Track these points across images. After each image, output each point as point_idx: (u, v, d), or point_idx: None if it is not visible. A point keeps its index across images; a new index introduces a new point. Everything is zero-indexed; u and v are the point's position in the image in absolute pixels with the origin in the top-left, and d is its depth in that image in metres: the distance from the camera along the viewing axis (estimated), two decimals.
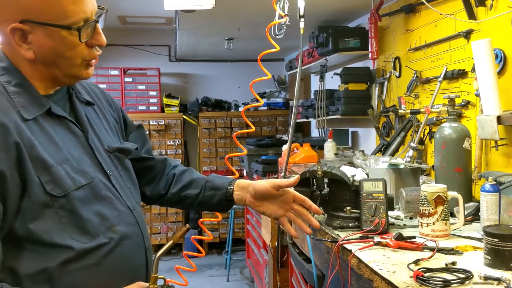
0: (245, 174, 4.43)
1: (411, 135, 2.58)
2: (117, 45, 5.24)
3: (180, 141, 5.30)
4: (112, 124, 1.31)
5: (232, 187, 1.40)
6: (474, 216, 1.70)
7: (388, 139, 2.85)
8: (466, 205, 1.67)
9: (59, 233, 1.03)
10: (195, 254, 1.63)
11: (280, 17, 1.84)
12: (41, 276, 1.02)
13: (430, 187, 1.50)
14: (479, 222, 1.58)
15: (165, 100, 5.29)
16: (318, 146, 3.42)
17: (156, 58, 5.51)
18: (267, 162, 3.55)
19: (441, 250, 1.33)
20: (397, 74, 2.91)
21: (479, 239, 1.43)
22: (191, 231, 4.48)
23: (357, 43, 3.26)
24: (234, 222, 4.86)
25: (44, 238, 1.02)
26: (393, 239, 1.40)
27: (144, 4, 4.12)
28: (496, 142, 1.93)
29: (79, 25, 1.07)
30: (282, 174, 2.14)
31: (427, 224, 1.47)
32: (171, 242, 1.16)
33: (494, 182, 1.51)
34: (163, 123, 5.24)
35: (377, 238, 1.46)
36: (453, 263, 1.21)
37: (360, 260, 1.32)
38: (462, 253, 1.33)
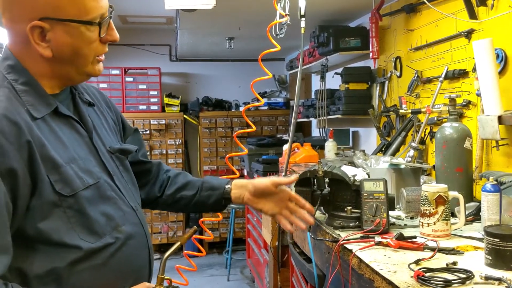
0: (245, 173, 4.43)
1: (412, 135, 2.58)
2: (118, 45, 5.23)
3: (180, 140, 5.30)
4: (112, 126, 1.31)
5: (229, 186, 1.44)
6: (475, 216, 1.70)
7: (389, 139, 2.84)
8: (467, 205, 1.67)
9: (68, 233, 1.03)
10: (195, 253, 1.63)
11: (281, 16, 1.84)
12: (50, 276, 1.02)
13: (431, 187, 1.50)
14: (480, 222, 1.58)
15: (166, 100, 5.29)
16: (318, 145, 3.42)
17: (156, 57, 5.51)
18: (268, 161, 3.55)
19: (442, 250, 1.33)
20: (398, 73, 2.91)
21: (480, 239, 1.43)
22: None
23: (358, 42, 3.26)
24: (234, 222, 4.86)
25: (53, 238, 1.02)
26: (394, 239, 1.40)
27: (145, 3, 4.12)
28: (497, 142, 1.93)
29: (98, 20, 1.08)
30: (283, 173, 2.14)
31: (428, 224, 1.47)
32: (178, 243, 1.17)
33: (495, 182, 1.51)
34: (163, 122, 5.24)
35: (377, 238, 1.46)
36: (454, 263, 1.21)
37: (360, 260, 1.32)
38: (463, 253, 1.32)
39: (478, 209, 1.67)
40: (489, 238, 1.19)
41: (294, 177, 1.43)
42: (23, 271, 1.00)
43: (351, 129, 3.78)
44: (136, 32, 5.25)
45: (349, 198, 1.66)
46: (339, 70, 3.42)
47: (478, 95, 2.06)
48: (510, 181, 1.68)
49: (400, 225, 1.68)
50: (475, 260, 1.26)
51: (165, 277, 1.10)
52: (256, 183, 1.40)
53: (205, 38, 4.43)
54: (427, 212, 1.47)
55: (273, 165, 3.41)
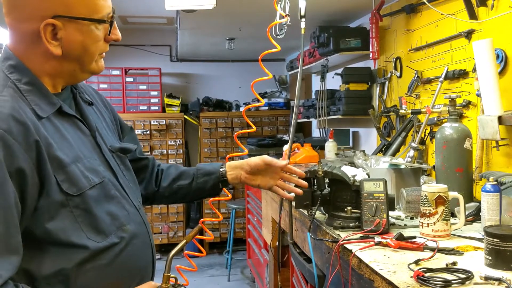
0: None
1: (412, 135, 2.58)
2: (118, 45, 5.24)
3: (181, 141, 5.31)
4: (110, 125, 1.32)
5: (224, 168, 1.48)
6: (475, 216, 1.70)
7: (389, 139, 2.84)
8: (467, 205, 1.67)
9: (75, 232, 1.04)
10: (196, 253, 1.63)
11: (281, 17, 1.84)
12: (57, 277, 1.02)
13: (431, 187, 1.50)
14: (480, 222, 1.58)
15: (166, 100, 5.29)
16: (319, 146, 3.42)
17: (157, 58, 5.51)
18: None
19: (441, 250, 1.33)
20: (398, 74, 2.91)
21: (480, 239, 1.43)
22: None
23: (358, 43, 3.26)
24: (235, 222, 4.86)
25: (61, 238, 1.02)
26: (394, 239, 1.40)
27: (145, 4, 4.13)
28: (497, 142, 1.93)
29: (107, 19, 1.11)
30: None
31: (428, 224, 1.47)
32: (184, 242, 1.17)
33: (495, 182, 1.50)
34: (164, 123, 5.24)
35: (377, 238, 1.46)
36: (454, 263, 1.21)
37: (360, 260, 1.32)
38: (462, 253, 1.32)
39: (478, 209, 1.67)
40: (489, 238, 1.19)
41: (285, 162, 1.50)
42: (30, 272, 1.00)
43: (351, 130, 3.78)
44: (136, 33, 5.26)
45: (349, 199, 1.66)
46: (339, 70, 3.42)
47: (478, 95, 2.06)
48: (510, 181, 1.68)
49: (400, 225, 1.68)
50: (475, 260, 1.26)
51: (171, 275, 1.10)
52: (251, 162, 1.48)
53: (205, 38, 4.43)
54: (427, 212, 1.47)
55: None
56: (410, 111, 2.50)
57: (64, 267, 1.02)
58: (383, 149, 2.85)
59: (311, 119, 4.03)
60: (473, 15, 2.13)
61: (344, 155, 3.05)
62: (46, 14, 1.03)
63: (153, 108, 5.25)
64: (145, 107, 5.25)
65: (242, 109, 5.42)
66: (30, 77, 1.07)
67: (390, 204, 1.58)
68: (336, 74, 3.44)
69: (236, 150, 5.21)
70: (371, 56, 3.09)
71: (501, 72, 1.96)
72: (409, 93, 2.73)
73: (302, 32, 1.96)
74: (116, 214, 1.12)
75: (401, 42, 2.88)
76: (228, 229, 5.01)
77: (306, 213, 1.87)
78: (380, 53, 3.09)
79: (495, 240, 1.18)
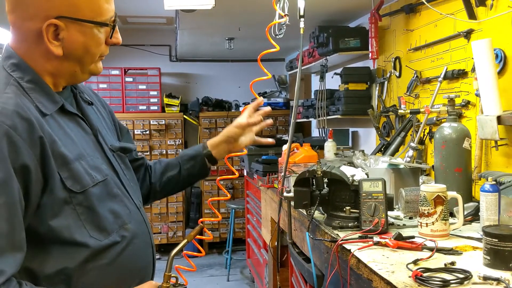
0: (245, 174, 4.43)
1: (411, 135, 2.58)
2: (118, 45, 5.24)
3: (180, 141, 5.31)
4: (109, 124, 1.32)
5: (207, 149, 1.51)
6: (473, 216, 1.70)
7: (388, 139, 2.84)
8: (465, 205, 1.67)
9: (78, 230, 1.04)
10: (195, 253, 1.62)
11: (280, 17, 1.84)
12: (59, 276, 1.02)
13: (429, 187, 1.50)
14: (479, 222, 1.58)
15: (166, 100, 5.29)
16: (318, 146, 3.41)
17: (156, 58, 5.51)
18: (268, 162, 3.55)
19: (440, 250, 1.33)
20: (397, 74, 2.91)
21: (479, 239, 1.43)
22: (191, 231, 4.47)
23: (358, 43, 3.26)
24: (234, 222, 4.86)
25: (64, 235, 1.02)
26: (392, 239, 1.40)
27: (145, 4, 4.13)
28: (496, 142, 1.93)
29: (109, 23, 1.11)
30: (282, 174, 2.14)
31: (427, 224, 1.47)
32: (185, 241, 1.17)
33: (494, 182, 1.51)
34: (163, 123, 5.24)
35: (376, 238, 1.46)
36: (452, 263, 1.21)
37: (359, 260, 1.32)
38: (461, 253, 1.33)
39: (477, 209, 1.67)
40: (488, 238, 1.19)
41: (246, 115, 1.53)
42: (32, 271, 1.00)
43: (351, 129, 3.78)
44: (136, 33, 5.26)
45: (347, 198, 1.66)
46: (339, 70, 3.42)
47: (477, 95, 2.06)
48: (509, 181, 1.68)
49: (398, 225, 1.69)
50: (474, 260, 1.26)
51: (172, 275, 1.10)
52: (230, 134, 1.51)
53: (205, 38, 4.43)
54: (426, 212, 1.47)
55: (273, 165, 3.41)
56: (409, 111, 2.50)
57: (66, 266, 1.02)
58: (382, 149, 2.85)
59: (310, 119, 4.03)
60: (472, 15, 2.13)
61: (343, 155, 3.05)
62: (50, 14, 1.03)
63: (152, 108, 5.25)
64: (144, 107, 5.25)
65: (241, 109, 5.41)
66: (33, 76, 1.07)
67: (389, 204, 1.58)
68: (336, 74, 3.44)
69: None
70: (370, 56, 3.09)
71: (500, 72, 1.96)
72: (408, 93, 2.73)
73: (301, 32, 1.96)
74: (119, 212, 1.13)
75: (400, 42, 2.88)
76: (228, 229, 5.01)
77: (305, 213, 1.88)
78: (380, 53, 3.08)
79: (493, 240, 1.18)
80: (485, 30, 2.08)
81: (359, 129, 3.70)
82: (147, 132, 5.21)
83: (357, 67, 3.44)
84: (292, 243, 2.05)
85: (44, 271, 1.01)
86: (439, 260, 1.26)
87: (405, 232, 1.50)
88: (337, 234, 1.57)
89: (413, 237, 1.43)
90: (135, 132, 5.15)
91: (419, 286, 1.09)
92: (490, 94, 1.87)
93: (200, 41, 4.58)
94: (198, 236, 1.58)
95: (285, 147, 2.94)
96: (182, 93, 5.56)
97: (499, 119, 1.84)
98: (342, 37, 3.27)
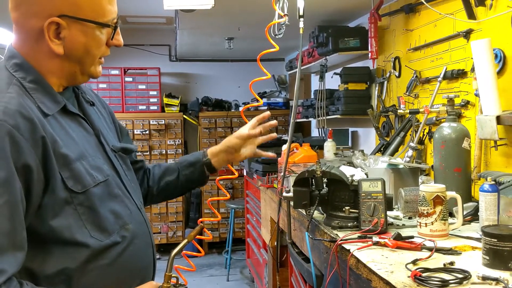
0: (245, 173, 4.43)
1: (410, 135, 2.58)
2: None
3: (180, 140, 5.31)
4: (110, 125, 1.32)
5: (207, 157, 1.50)
6: (473, 216, 1.70)
7: (388, 139, 2.84)
8: (465, 205, 1.67)
9: (79, 230, 1.04)
10: (194, 253, 1.63)
11: (280, 16, 1.83)
12: (60, 276, 1.02)
13: (428, 187, 1.50)
14: (478, 222, 1.58)
15: (166, 100, 5.29)
16: (318, 146, 3.41)
17: (156, 57, 5.51)
18: (267, 162, 3.54)
19: (439, 250, 1.33)
20: (396, 74, 2.91)
21: (478, 239, 1.43)
22: (191, 231, 4.47)
23: (357, 43, 3.26)
24: (234, 222, 4.86)
25: (65, 235, 1.02)
26: (392, 239, 1.40)
27: (144, 3, 4.13)
28: (495, 142, 1.93)
29: (112, 24, 1.11)
30: (282, 173, 2.14)
31: (426, 224, 1.47)
32: (185, 241, 1.17)
33: (493, 182, 1.51)
34: (163, 122, 5.24)
35: (375, 238, 1.46)
36: (451, 263, 1.21)
37: (358, 260, 1.32)
38: (460, 253, 1.33)
39: (476, 209, 1.67)
40: (487, 238, 1.19)
41: (249, 127, 1.53)
42: (32, 271, 1.00)
43: (350, 129, 3.78)
44: (135, 32, 5.25)
45: (347, 198, 1.66)
46: (338, 70, 3.42)
47: (477, 95, 2.06)
48: (508, 181, 1.68)
49: (398, 225, 1.69)
50: (473, 260, 1.27)
51: (173, 275, 1.10)
52: (231, 144, 1.51)
53: (204, 38, 4.43)
54: (425, 212, 1.47)
55: (272, 165, 3.41)
56: (408, 111, 2.50)
57: (67, 266, 1.02)
58: (381, 149, 2.85)
59: (310, 119, 4.03)
60: (471, 15, 2.13)
61: (343, 155, 3.05)
62: (53, 12, 1.04)
63: (152, 108, 5.25)
64: (144, 107, 5.25)
65: (241, 108, 5.42)
66: (35, 76, 1.08)
67: (389, 204, 1.58)
68: (335, 74, 3.44)
69: None
70: (370, 55, 3.09)
71: (500, 72, 1.96)
72: (407, 93, 2.73)
73: (301, 31, 1.96)
74: (119, 213, 1.13)
75: (400, 41, 2.88)
76: (227, 229, 5.01)
77: (305, 213, 1.88)
78: (379, 53, 3.08)
79: (492, 240, 1.18)
80: (484, 30, 2.08)
81: (358, 129, 3.70)
82: (147, 132, 5.21)
83: (357, 67, 3.44)
84: (291, 243, 2.05)
85: (45, 271, 1.01)
86: (438, 260, 1.26)
87: (404, 232, 1.50)
88: (336, 234, 1.57)
89: (412, 237, 1.43)
90: (135, 132, 5.15)
91: (418, 286, 1.09)
92: (490, 94, 1.87)
93: (199, 41, 4.58)
94: (197, 236, 1.59)
95: (284, 147, 2.94)
96: (181, 93, 5.56)
97: (499, 119, 1.84)
98: (341, 37, 3.27)
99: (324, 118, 3.53)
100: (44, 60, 1.08)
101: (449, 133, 1.83)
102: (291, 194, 1.81)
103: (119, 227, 1.11)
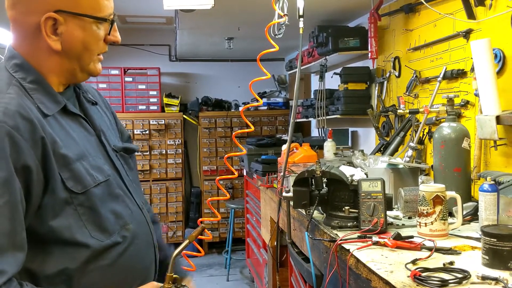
0: (245, 173, 4.43)
1: (410, 134, 2.58)
2: (117, 45, 5.23)
3: (180, 140, 5.31)
4: (112, 125, 1.32)
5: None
6: (472, 216, 1.70)
7: (388, 139, 2.84)
8: (464, 205, 1.68)
9: (80, 230, 1.04)
10: (194, 253, 1.63)
11: (280, 16, 1.84)
12: (60, 277, 1.02)
13: (428, 187, 1.50)
14: (478, 222, 1.58)
15: (165, 100, 5.29)
16: (317, 145, 3.41)
17: (156, 57, 5.51)
18: (267, 161, 3.55)
19: (439, 250, 1.33)
20: (396, 73, 2.91)
21: (478, 239, 1.43)
22: (190, 231, 4.47)
23: (357, 42, 3.26)
24: (234, 222, 4.86)
25: (65, 236, 1.02)
26: (391, 238, 1.40)
27: (144, 3, 4.12)
28: (495, 142, 1.93)
29: (109, 19, 1.11)
30: (281, 173, 2.14)
31: (426, 223, 1.47)
32: (187, 241, 1.16)
33: (493, 182, 1.51)
34: (163, 122, 5.24)
35: (375, 238, 1.46)
36: (451, 263, 1.21)
37: (358, 260, 1.32)
38: (460, 253, 1.33)
39: (476, 209, 1.67)
40: (486, 238, 1.19)
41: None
42: (32, 271, 1.00)
43: (350, 129, 3.78)
44: (135, 32, 5.25)
45: (347, 198, 1.66)
46: (338, 70, 3.42)
47: (476, 95, 2.06)
48: (508, 181, 1.68)
49: (398, 225, 1.69)
50: (472, 260, 1.27)
51: (174, 275, 1.10)
52: None
53: (204, 38, 4.43)
54: (425, 212, 1.47)
55: (272, 165, 3.41)
56: (408, 111, 2.50)
57: (67, 266, 1.02)
58: (381, 149, 2.85)
59: (310, 119, 4.03)
60: (471, 15, 2.13)
61: (343, 155, 3.05)
62: (50, 8, 1.04)
63: (152, 107, 5.25)
64: (144, 107, 5.25)
65: (241, 108, 5.42)
66: (35, 76, 1.07)
67: (388, 203, 1.58)
68: (335, 73, 3.44)
69: (235, 150, 5.22)
70: (369, 55, 3.09)
71: (499, 72, 1.96)
72: (407, 93, 2.73)
73: (301, 31, 1.96)
74: (120, 213, 1.13)
75: (399, 41, 2.88)
76: (227, 229, 5.01)
77: (304, 213, 1.88)
78: (379, 53, 3.09)
79: (492, 239, 1.18)
80: (484, 30, 2.08)
81: (358, 129, 3.70)
82: (147, 132, 5.21)
83: (357, 66, 3.44)
84: (291, 242, 2.05)
85: (45, 271, 1.01)
86: (438, 260, 1.26)
87: (404, 232, 1.50)
88: (336, 234, 1.57)
89: (412, 236, 1.44)
90: (135, 132, 5.15)
91: (417, 285, 1.09)
92: (489, 94, 1.87)
93: (199, 41, 4.58)
94: (198, 236, 1.59)
95: (284, 147, 2.94)
96: (181, 93, 5.56)
97: (498, 119, 1.84)
98: (341, 36, 3.27)
99: (324, 118, 3.53)
100: (43, 58, 1.08)
101: (449, 133, 1.83)
102: (291, 194, 1.81)
103: (119, 227, 1.11)
